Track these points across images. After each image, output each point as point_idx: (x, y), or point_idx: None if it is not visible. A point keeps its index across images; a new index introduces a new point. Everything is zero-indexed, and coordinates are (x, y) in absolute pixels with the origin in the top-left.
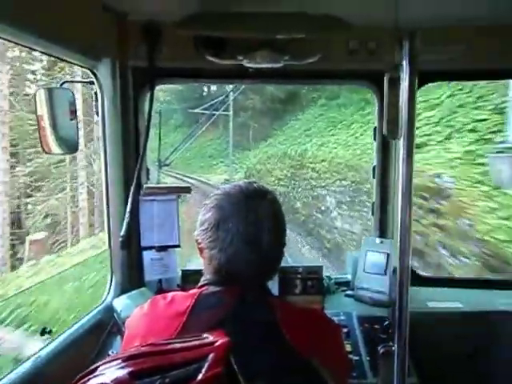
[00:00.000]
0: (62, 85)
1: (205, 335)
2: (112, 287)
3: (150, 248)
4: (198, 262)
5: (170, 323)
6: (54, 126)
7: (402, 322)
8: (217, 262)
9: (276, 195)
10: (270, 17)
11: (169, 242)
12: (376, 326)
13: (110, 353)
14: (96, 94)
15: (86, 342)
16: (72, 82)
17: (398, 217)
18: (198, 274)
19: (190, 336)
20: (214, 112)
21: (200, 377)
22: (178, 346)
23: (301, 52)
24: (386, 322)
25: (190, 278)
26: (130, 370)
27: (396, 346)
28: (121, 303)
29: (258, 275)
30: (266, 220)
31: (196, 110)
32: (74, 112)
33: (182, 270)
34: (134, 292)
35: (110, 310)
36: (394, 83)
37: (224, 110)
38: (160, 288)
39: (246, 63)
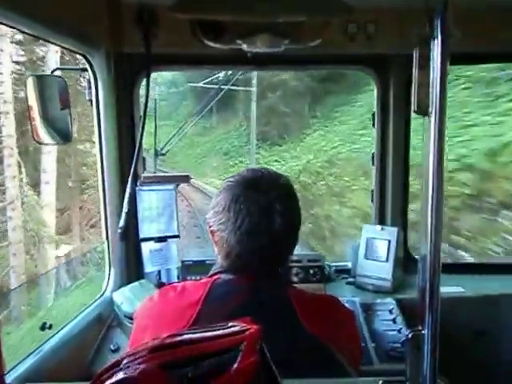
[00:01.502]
0: (53, 72)
1: (230, 324)
2: (111, 280)
3: (149, 239)
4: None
5: (183, 313)
6: (44, 115)
7: (433, 306)
8: (227, 245)
9: (290, 179)
10: None
11: (168, 232)
12: (379, 313)
13: (111, 347)
14: (89, 81)
15: (87, 336)
16: (64, 69)
17: (428, 201)
18: (199, 264)
19: (213, 325)
20: (229, 87)
21: (235, 366)
22: (206, 335)
23: (301, 36)
24: (391, 307)
25: (190, 269)
26: (158, 361)
27: (427, 330)
28: (121, 296)
29: (269, 260)
30: (277, 203)
31: (200, 84)
32: (66, 100)
33: (182, 261)
34: (133, 284)
35: (109, 303)
36: (423, 62)
37: (245, 86)
38: (159, 280)
39: (246, 48)
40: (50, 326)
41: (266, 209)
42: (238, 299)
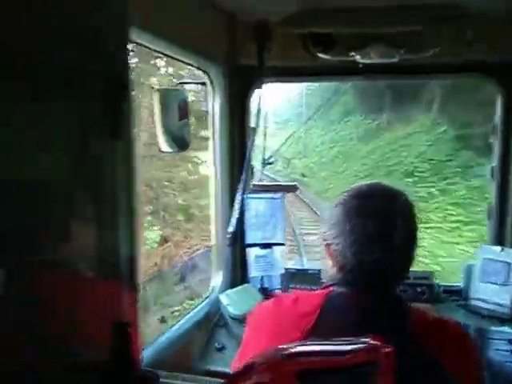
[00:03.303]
0: (177, 85)
1: (362, 339)
2: (218, 282)
3: (255, 245)
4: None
5: (298, 323)
6: (165, 124)
7: None
8: (341, 257)
9: (409, 197)
10: (382, 9)
11: (273, 239)
12: (495, 342)
13: (216, 345)
14: (206, 94)
15: (195, 333)
16: (187, 83)
17: None
18: (302, 273)
19: (338, 339)
20: None
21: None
22: (335, 348)
23: (417, 45)
24: (509, 337)
25: (292, 278)
26: (293, 368)
27: None
28: (227, 298)
29: (385, 275)
30: (394, 220)
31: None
32: (185, 111)
33: (286, 269)
34: (238, 288)
35: (216, 303)
36: None
37: None
38: (262, 285)
39: (359, 59)
40: (166, 320)
41: (382, 226)
42: (354, 314)
